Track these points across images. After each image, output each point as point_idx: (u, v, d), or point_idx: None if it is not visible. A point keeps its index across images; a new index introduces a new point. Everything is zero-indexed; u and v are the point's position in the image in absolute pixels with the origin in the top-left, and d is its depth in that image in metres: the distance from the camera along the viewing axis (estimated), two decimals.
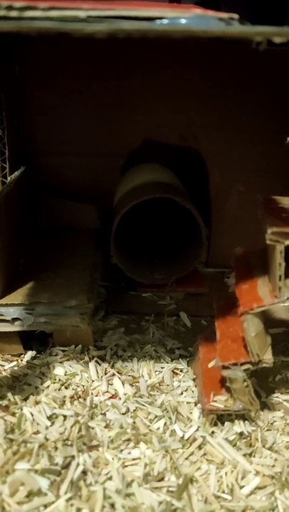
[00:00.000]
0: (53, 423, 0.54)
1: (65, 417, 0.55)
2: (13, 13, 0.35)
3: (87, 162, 0.85)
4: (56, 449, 0.51)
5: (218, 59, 0.76)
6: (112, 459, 0.51)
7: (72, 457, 0.50)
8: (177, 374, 0.64)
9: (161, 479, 0.50)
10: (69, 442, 0.52)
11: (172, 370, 0.64)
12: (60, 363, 0.64)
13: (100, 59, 0.77)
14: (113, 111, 0.83)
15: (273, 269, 0.49)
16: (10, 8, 0.35)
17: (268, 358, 0.52)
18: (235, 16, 0.37)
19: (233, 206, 0.86)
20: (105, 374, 0.63)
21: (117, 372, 0.63)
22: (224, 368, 0.53)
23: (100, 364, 0.64)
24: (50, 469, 0.48)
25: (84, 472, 0.49)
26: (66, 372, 0.62)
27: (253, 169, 0.84)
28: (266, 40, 0.33)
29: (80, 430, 0.53)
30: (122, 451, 0.52)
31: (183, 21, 0.36)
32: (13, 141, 0.78)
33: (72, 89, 0.80)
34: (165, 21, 0.36)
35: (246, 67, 0.76)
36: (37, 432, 0.53)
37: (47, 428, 0.53)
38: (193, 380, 0.63)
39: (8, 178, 0.76)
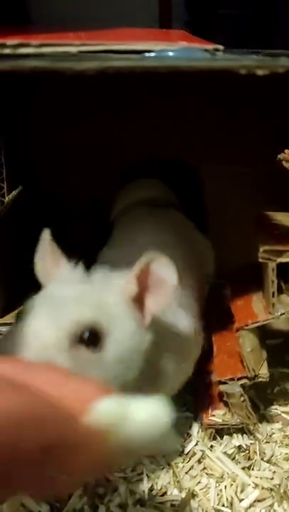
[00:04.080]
0: None
1: None
2: (7, 51, 0.36)
3: (86, 179, 0.86)
4: None
5: (214, 79, 0.78)
6: (115, 476, 0.52)
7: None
8: None
9: (165, 493, 0.51)
10: None
11: None
12: None
13: (97, 82, 0.79)
14: (111, 127, 0.84)
15: (266, 286, 0.50)
16: (3, 46, 0.36)
17: (263, 372, 0.53)
18: (220, 47, 0.39)
19: (229, 219, 0.88)
20: None
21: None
22: (221, 383, 0.54)
23: None
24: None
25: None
26: None
27: (248, 183, 0.86)
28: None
29: None
30: (125, 467, 0.53)
31: (170, 54, 0.38)
32: (12, 160, 0.79)
33: (71, 111, 0.81)
34: (152, 54, 0.37)
35: (240, 86, 0.78)
36: None
37: None
38: (192, 393, 0.64)
39: (7, 198, 0.77)
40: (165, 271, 0.38)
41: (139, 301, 0.39)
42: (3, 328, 0.64)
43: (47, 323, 0.35)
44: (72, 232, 0.85)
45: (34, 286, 0.72)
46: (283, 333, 0.77)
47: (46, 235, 0.42)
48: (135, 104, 0.82)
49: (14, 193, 0.79)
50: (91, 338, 0.36)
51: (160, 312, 0.39)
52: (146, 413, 0.24)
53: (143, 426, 0.23)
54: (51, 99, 0.80)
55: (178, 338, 0.45)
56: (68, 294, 0.38)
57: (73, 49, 0.37)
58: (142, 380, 0.40)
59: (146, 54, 0.37)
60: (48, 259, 0.42)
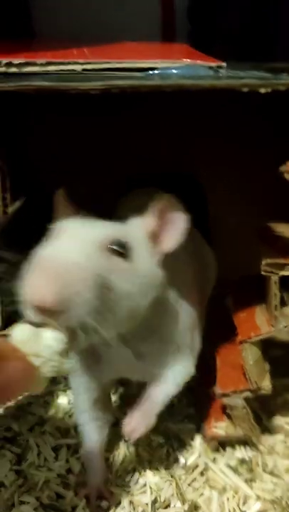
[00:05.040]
0: (57, 454, 0.55)
1: (69, 446, 0.56)
2: (13, 69, 0.37)
3: (86, 190, 0.86)
4: (62, 482, 0.52)
5: (217, 94, 0.78)
6: (119, 488, 0.52)
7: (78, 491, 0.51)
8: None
9: (168, 506, 0.51)
10: (74, 474, 0.53)
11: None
12: (64, 391, 0.65)
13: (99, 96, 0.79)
14: (112, 138, 0.84)
15: (269, 299, 0.51)
16: (10, 64, 0.37)
17: (266, 385, 0.53)
18: (223, 64, 0.39)
19: (231, 230, 0.88)
20: None
21: (119, 399, 0.64)
22: (224, 395, 0.54)
23: None
24: (55, 505, 0.49)
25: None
26: (70, 401, 0.63)
27: (251, 194, 0.86)
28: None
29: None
30: (128, 480, 0.53)
31: (174, 71, 0.38)
32: (15, 171, 0.79)
33: (72, 121, 0.82)
34: (156, 72, 0.38)
35: (242, 100, 0.78)
36: (43, 465, 0.54)
37: (52, 460, 0.54)
38: (195, 405, 0.64)
39: (10, 209, 0.77)
40: (177, 213, 0.41)
41: (154, 238, 0.41)
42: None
43: (74, 239, 0.36)
44: None
45: None
46: (286, 345, 0.77)
47: (61, 193, 0.45)
48: (138, 115, 0.82)
49: (18, 203, 0.79)
50: (121, 247, 0.37)
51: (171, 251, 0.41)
52: (50, 334, 0.33)
53: (48, 342, 0.33)
54: (53, 110, 0.80)
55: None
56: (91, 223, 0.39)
57: (78, 67, 0.37)
58: (146, 327, 0.42)
59: (150, 72, 0.38)
60: (64, 214, 0.43)
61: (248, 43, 0.79)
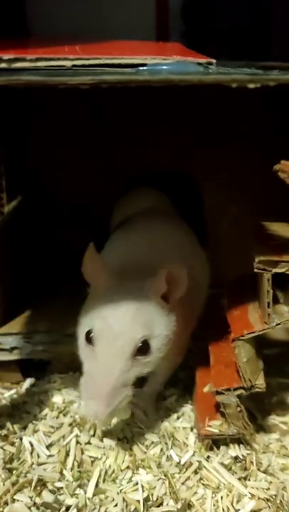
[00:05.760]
0: (51, 452, 0.55)
1: (63, 446, 0.56)
2: (3, 65, 0.37)
3: (85, 190, 0.86)
4: (55, 480, 0.52)
5: (208, 89, 0.78)
6: (112, 486, 0.52)
7: (71, 488, 0.51)
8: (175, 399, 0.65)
9: (160, 504, 0.51)
10: (68, 472, 0.53)
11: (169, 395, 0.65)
12: (59, 390, 0.65)
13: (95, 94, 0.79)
14: (109, 139, 0.85)
15: (262, 296, 0.51)
16: None
17: (260, 383, 0.53)
18: (213, 60, 0.39)
19: (227, 228, 0.88)
20: None
21: None
22: (218, 393, 0.54)
23: None
24: (49, 504, 0.49)
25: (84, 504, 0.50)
26: (64, 399, 0.63)
27: (246, 191, 0.86)
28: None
29: (79, 461, 0.54)
30: (121, 478, 0.53)
31: (164, 67, 0.38)
32: (11, 171, 0.80)
33: (69, 122, 0.82)
34: (146, 68, 0.38)
35: (235, 95, 0.78)
36: (36, 463, 0.54)
37: (46, 458, 0.54)
38: (190, 404, 0.64)
39: (6, 208, 0.78)
40: (180, 274, 0.50)
41: (164, 298, 0.51)
42: (2, 339, 0.65)
43: (110, 355, 0.47)
44: (73, 239, 0.86)
45: (33, 294, 0.73)
46: (281, 343, 0.77)
47: (91, 247, 0.52)
48: (135, 114, 0.82)
49: (14, 203, 0.80)
50: (143, 348, 0.48)
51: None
52: None
53: None
54: (50, 109, 0.81)
55: None
56: (119, 313, 0.48)
57: (68, 63, 0.37)
58: None
59: (141, 68, 0.38)
60: (92, 266, 0.51)
61: (242, 44, 0.79)
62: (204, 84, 0.35)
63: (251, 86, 0.34)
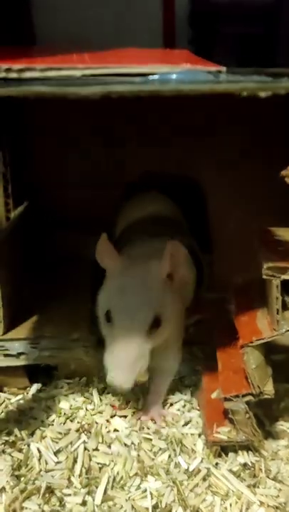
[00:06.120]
0: (59, 459, 0.55)
1: (70, 452, 0.56)
2: (13, 75, 0.37)
3: (89, 195, 0.86)
4: (63, 487, 0.52)
5: (214, 97, 0.78)
6: (120, 493, 0.52)
7: (80, 494, 0.51)
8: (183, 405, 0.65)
9: (169, 511, 0.50)
10: (76, 479, 0.53)
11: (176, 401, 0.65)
12: (65, 395, 0.65)
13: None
14: (113, 145, 0.85)
15: (271, 302, 0.50)
16: (9, 70, 0.37)
17: (268, 389, 0.53)
18: (223, 68, 0.39)
19: (232, 231, 0.88)
20: (110, 406, 0.64)
21: (122, 404, 0.64)
22: (226, 399, 0.53)
23: (104, 396, 0.65)
24: (57, 511, 0.49)
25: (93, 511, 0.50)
26: (71, 405, 0.63)
27: (250, 196, 0.86)
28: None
29: (87, 467, 0.54)
30: (129, 485, 0.53)
31: (174, 76, 0.38)
32: (17, 177, 0.80)
33: (73, 127, 0.82)
34: (156, 77, 0.38)
35: (240, 103, 0.78)
36: (44, 469, 0.54)
37: (54, 465, 0.54)
38: (198, 411, 0.63)
39: (12, 214, 0.78)
40: (181, 255, 0.55)
41: (168, 276, 0.56)
42: (9, 344, 0.65)
43: (128, 335, 0.52)
44: (76, 243, 0.86)
45: (39, 300, 0.73)
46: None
47: (104, 236, 0.57)
48: (137, 119, 0.82)
49: (20, 208, 0.80)
50: (156, 321, 0.53)
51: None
52: None
53: None
54: (55, 115, 0.81)
55: None
56: (134, 293, 0.54)
57: (77, 72, 0.37)
58: None
59: (150, 77, 0.38)
60: (106, 253, 0.57)
61: (249, 51, 0.79)
62: (214, 94, 0.35)
63: (262, 95, 0.34)
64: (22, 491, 0.50)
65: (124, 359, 0.51)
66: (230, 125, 0.81)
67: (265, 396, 0.52)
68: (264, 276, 0.49)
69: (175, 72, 0.38)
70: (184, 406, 0.64)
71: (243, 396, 0.53)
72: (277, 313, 0.50)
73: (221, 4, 0.79)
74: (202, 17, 0.85)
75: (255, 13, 0.81)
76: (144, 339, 0.52)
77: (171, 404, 0.64)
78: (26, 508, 0.49)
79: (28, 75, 0.36)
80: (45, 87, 0.34)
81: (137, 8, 0.88)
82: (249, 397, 0.53)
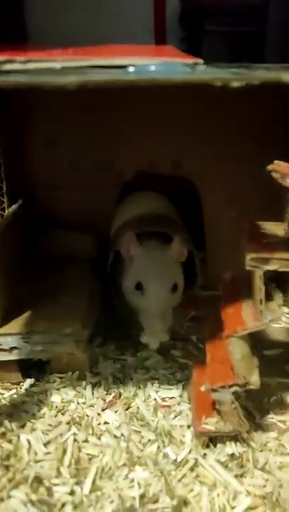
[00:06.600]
0: (48, 450, 0.56)
1: (60, 443, 0.57)
2: None
3: (83, 193, 0.87)
4: (52, 477, 0.52)
5: (205, 89, 0.79)
6: (108, 483, 0.52)
7: (68, 484, 0.51)
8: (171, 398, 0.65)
9: (156, 501, 0.51)
10: (65, 469, 0.53)
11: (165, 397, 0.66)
12: (57, 389, 0.66)
13: (89, 95, 0.81)
14: (106, 143, 0.86)
15: (255, 293, 0.51)
16: None
17: (254, 380, 0.53)
18: (200, 60, 0.40)
19: (225, 230, 0.88)
20: (101, 400, 0.64)
21: (113, 398, 0.65)
22: (213, 390, 0.54)
23: (95, 390, 0.66)
24: (45, 500, 0.49)
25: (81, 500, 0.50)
26: (63, 399, 0.64)
27: (244, 194, 0.86)
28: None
29: (76, 458, 0.55)
30: (117, 475, 0.53)
31: (152, 68, 0.39)
32: (11, 175, 0.81)
33: (65, 125, 0.83)
34: (133, 69, 0.39)
35: (231, 95, 0.79)
36: (33, 460, 0.54)
37: (43, 455, 0.55)
38: (187, 402, 0.64)
39: (6, 212, 0.79)
40: (183, 241, 0.71)
41: (176, 255, 0.71)
42: (2, 339, 0.65)
43: (161, 287, 0.67)
44: (73, 241, 0.87)
45: (33, 296, 0.74)
46: (282, 344, 0.77)
47: (131, 234, 0.70)
48: (131, 118, 0.83)
49: (14, 206, 0.81)
50: (174, 287, 0.68)
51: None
52: None
53: None
54: (47, 114, 0.82)
55: None
56: (159, 267, 0.69)
57: (57, 65, 0.38)
58: None
59: (128, 68, 0.39)
60: (132, 244, 0.70)
61: (238, 48, 0.80)
62: (188, 84, 0.35)
63: (235, 84, 0.35)
64: (10, 480, 0.51)
65: (158, 312, 0.65)
66: (230, 125, 0.82)
67: (251, 386, 0.53)
68: (247, 267, 0.50)
69: (153, 64, 0.39)
70: (175, 399, 0.65)
71: (230, 387, 0.53)
72: (261, 303, 0.50)
73: (210, 3, 0.81)
74: (192, 16, 0.86)
75: (243, 12, 0.82)
76: (169, 298, 0.67)
77: (163, 399, 0.65)
78: (13, 497, 0.49)
79: (8, 67, 0.38)
80: (23, 76, 0.35)
81: (128, 9, 0.89)
82: (235, 388, 0.53)
